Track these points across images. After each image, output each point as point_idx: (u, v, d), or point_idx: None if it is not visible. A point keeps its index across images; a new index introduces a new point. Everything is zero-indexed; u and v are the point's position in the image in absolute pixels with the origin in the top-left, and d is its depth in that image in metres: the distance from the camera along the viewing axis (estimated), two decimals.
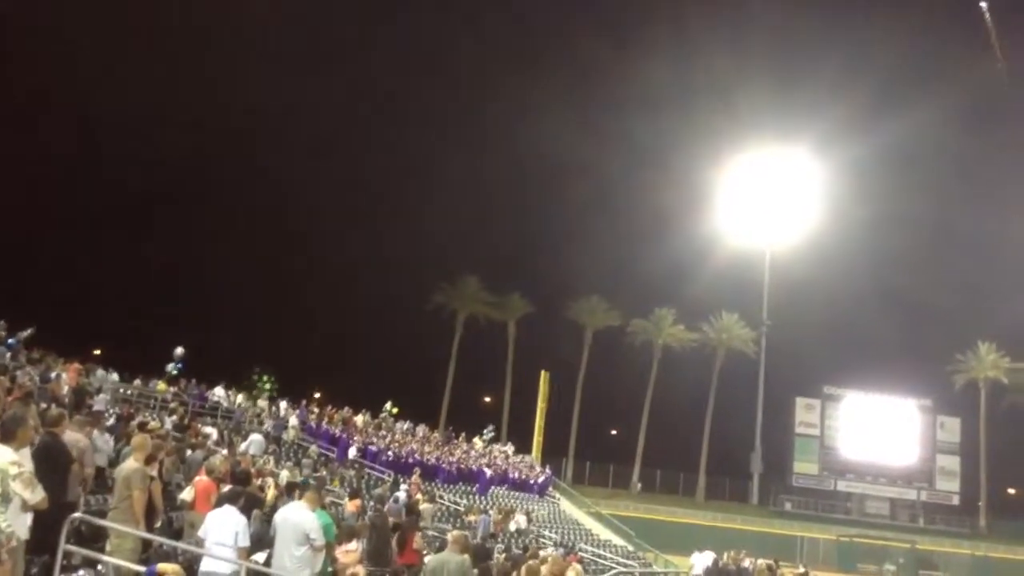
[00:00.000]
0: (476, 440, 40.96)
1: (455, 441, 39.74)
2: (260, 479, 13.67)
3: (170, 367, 28.41)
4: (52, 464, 8.43)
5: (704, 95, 67.02)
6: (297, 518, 9.31)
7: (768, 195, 62.47)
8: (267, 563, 9.39)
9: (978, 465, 62.39)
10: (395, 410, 37.59)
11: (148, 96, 58.30)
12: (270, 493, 12.94)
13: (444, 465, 32.67)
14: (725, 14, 69.75)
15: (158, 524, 10.11)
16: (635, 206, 66.40)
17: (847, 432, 62.35)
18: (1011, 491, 69.24)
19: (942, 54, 59.01)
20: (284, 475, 16.33)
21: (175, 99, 59.91)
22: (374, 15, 70.63)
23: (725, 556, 26.12)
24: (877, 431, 61.76)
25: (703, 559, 28.26)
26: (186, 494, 11.32)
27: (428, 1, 75.03)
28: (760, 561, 24.67)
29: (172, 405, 24.02)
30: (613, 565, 28.46)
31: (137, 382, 27.08)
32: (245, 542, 8.68)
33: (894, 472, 61.83)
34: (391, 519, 14.21)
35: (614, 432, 70.68)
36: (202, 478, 11.18)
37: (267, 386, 48.96)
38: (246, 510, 9.38)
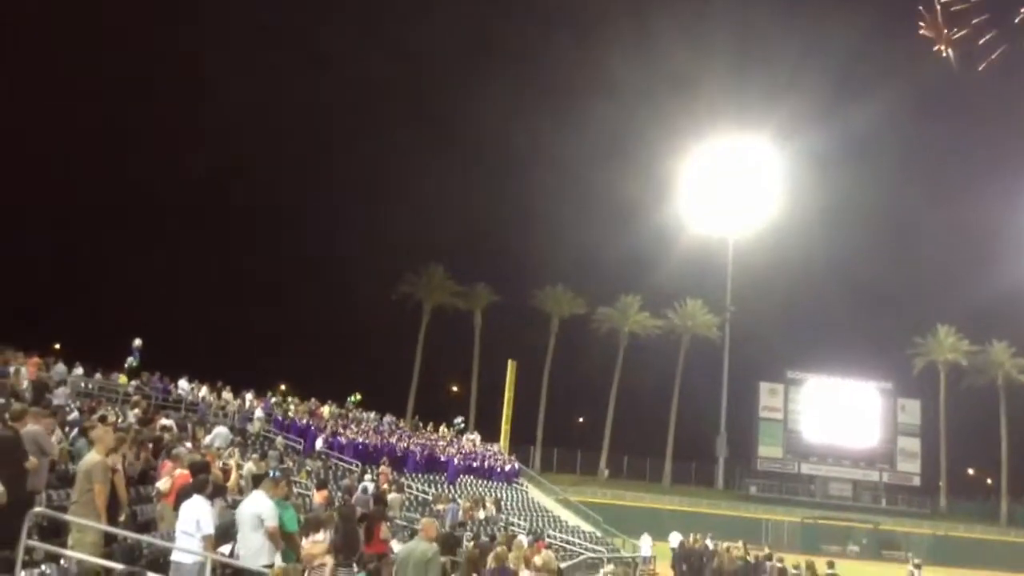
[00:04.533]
0: (443, 429, 40.96)
1: (423, 430, 39.71)
2: (221, 465, 13.56)
3: (130, 360, 28.01)
4: (8, 459, 8.33)
5: (666, 84, 67.36)
6: (253, 506, 9.29)
7: (730, 183, 63.05)
8: (231, 555, 9.34)
9: (938, 446, 63.61)
10: (358, 397, 37.50)
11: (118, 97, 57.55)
12: (232, 478, 12.86)
13: (412, 454, 32.64)
14: (686, 3, 70.11)
15: (122, 518, 10.00)
16: (599, 195, 66.76)
17: (810, 416, 63.24)
18: (970, 471, 70.75)
19: (899, 45, 59.77)
20: (249, 467, 16.19)
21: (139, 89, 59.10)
22: (333, 2, 70.10)
23: (691, 538, 26.52)
24: (839, 414, 62.75)
25: (647, 540, 32.09)
26: (162, 484, 11.22)
27: None
28: (726, 544, 25.01)
29: (135, 398, 23.71)
30: (582, 551, 28.67)
31: (98, 376, 26.64)
32: (208, 529, 8.61)
33: (856, 454, 62.85)
34: (359, 509, 14.17)
35: (581, 419, 71.18)
36: (182, 470, 11.10)
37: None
38: (211, 498, 9.35)
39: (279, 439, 26.24)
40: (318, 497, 15.83)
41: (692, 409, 64.52)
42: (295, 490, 15.59)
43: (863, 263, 66.48)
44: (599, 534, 36.26)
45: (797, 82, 62.56)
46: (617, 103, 65.76)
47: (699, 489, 61.72)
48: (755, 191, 63.00)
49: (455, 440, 39.64)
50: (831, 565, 19.90)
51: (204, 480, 9.59)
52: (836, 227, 64.93)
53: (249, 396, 30.31)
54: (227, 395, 29.52)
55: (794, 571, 19.46)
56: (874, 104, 60.28)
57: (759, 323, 62.64)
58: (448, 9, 71.33)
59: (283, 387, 41.21)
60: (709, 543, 25.26)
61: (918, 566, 29.43)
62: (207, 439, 19.32)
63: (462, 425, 44.38)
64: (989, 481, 67.16)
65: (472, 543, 16.49)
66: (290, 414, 30.30)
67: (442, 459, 34.46)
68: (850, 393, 63.80)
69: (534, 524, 30.36)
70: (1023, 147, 69.28)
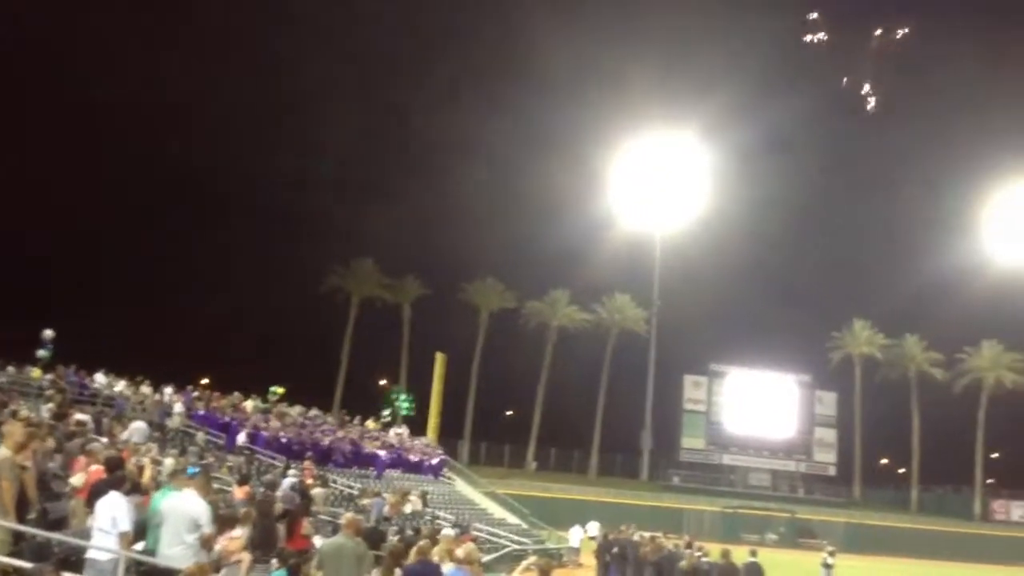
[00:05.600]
0: (370, 422, 40.67)
1: (349, 424, 39.34)
2: (136, 462, 13.26)
3: (41, 352, 27.09)
4: None
5: (596, 80, 68.19)
6: (187, 506, 9.16)
7: (658, 179, 64.02)
8: (145, 552, 9.18)
9: (853, 437, 65.80)
10: (280, 391, 36.97)
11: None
12: (147, 474, 12.60)
13: (338, 449, 32.33)
14: (617, 1, 70.88)
15: (32, 515, 9.74)
16: (530, 188, 67.06)
17: (731, 407, 64.77)
18: (883, 461, 73.43)
19: (817, 46, 61.42)
20: (168, 463, 15.87)
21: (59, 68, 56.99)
22: None
23: (620, 528, 26.88)
24: (759, 406, 64.44)
25: (578, 531, 32.87)
26: (76, 480, 10.95)
27: None
28: (646, 534, 25.44)
29: (49, 392, 22.97)
30: (507, 543, 28.89)
31: (11, 369, 25.71)
32: (125, 527, 8.47)
33: (775, 445, 64.61)
34: (281, 504, 14.04)
35: (510, 413, 71.47)
36: (97, 466, 10.85)
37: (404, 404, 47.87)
38: (128, 494, 9.19)
39: (200, 434, 25.73)
40: (239, 493, 15.61)
41: (619, 402, 65.50)
42: (215, 486, 15.35)
43: (785, 258, 68.52)
44: (525, 526, 36.53)
45: (722, 80, 63.94)
46: (549, 98, 66.41)
47: (624, 480, 62.67)
48: (682, 187, 64.13)
49: (382, 434, 39.40)
50: (753, 553, 20.38)
51: (122, 476, 9.42)
52: (760, 223, 66.73)
53: (168, 390, 29.60)
54: (146, 389, 28.77)
55: (706, 559, 19.94)
56: (795, 100, 62.06)
57: (685, 317, 63.92)
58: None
59: (205, 381, 40.38)
60: (632, 533, 25.67)
61: (832, 554, 30.40)
62: (124, 434, 18.86)
63: (389, 419, 44.16)
64: (901, 471, 69.79)
65: (397, 537, 16.48)
66: (212, 408, 29.71)
67: (369, 453, 34.23)
68: (770, 385, 65.56)
69: (460, 517, 30.37)
70: (938, 147, 72.06)
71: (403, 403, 52.56)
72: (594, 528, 33.22)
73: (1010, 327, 63.94)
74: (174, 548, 8.94)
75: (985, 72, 70.73)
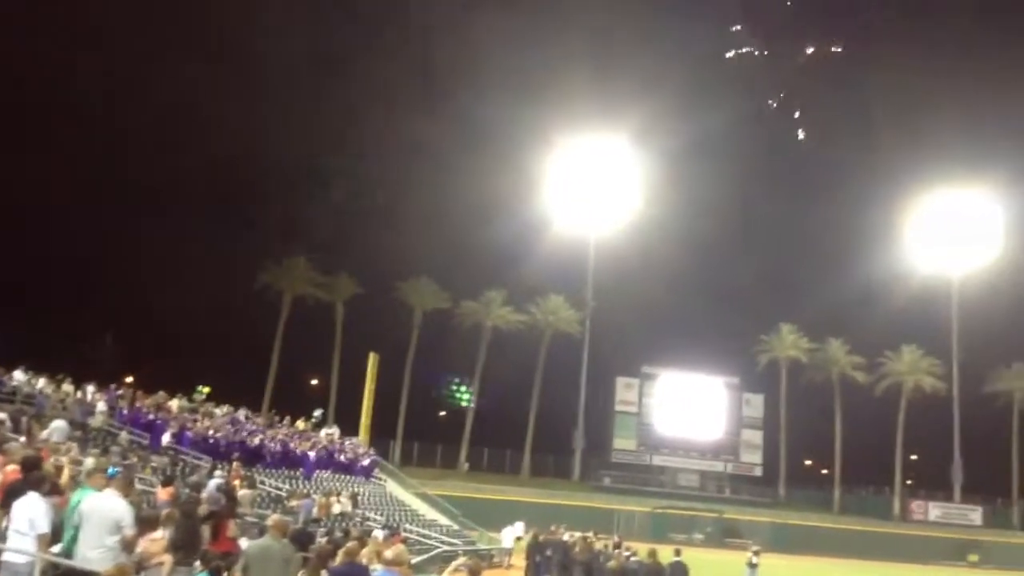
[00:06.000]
0: (300, 423, 40.14)
1: (279, 425, 38.76)
2: (55, 461, 12.86)
3: None
4: None
5: (533, 83, 68.48)
6: (108, 506, 8.91)
7: (592, 182, 64.66)
8: (61, 553, 8.92)
9: (778, 439, 67.33)
10: (206, 390, 36.34)
11: None
12: (65, 474, 12.24)
13: (267, 449, 31.84)
14: (554, 8, 71.50)
15: None
16: (466, 189, 67.07)
17: (662, 409, 65.72)
18: (807, 462, 75.29)
19: (748, 54, 62.91)
20: (89, 462, 15.43)
21: None
22: None
23: (551, 528, 27.03)
24: (689, 408, 65.53)
25: (511, 532, 32.94)
26: None
27: None
28: (577, 534, 25.64)
29: None
30: (437, 544, 28.83)
31: None
32: (43, 528, 8.23)
33: (704, 446, 65.76)
34: (206, 506, 13.76)
35: (443, 413, 71.28)
36: (13, 466, 10.48)
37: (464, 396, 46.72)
38: (48, 495, 8.93)
39: (123, 434, 25.07)
40: (163, 494, 15.25)
41: (552, 403, 65.86)
42: (139, 487, 14.99)
43: (715, 262, 69.94)
44: (456, 527, 36.50)
45: (654, 85, 64.97)
46: (484, 99, 66.52)
47: (556, 481, 63.00)
48: (616, 190, 64.87)
49: (313, 434, 38.91)
50: (678, 552, 20.69)
51: (40, 477, 9.14)
52: (691, 228, 67.96)
53: (91, 388, 28.77)
54: (67, 387, 27.91)
55: (634, 559, 20.22)
56: (726, 106, 63.47)
57: (618, 319, 64.66)
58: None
59: (129, 379, 39.35)
60: (564, 534, 25.86)
61: (757, 553, 31.02)
62: (44, 433, 18.30)
63: (321, 418, 43.60)
64: (824, 471, 71.62)
65: (326, 539, 16.29)
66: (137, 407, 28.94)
67: (298, 454, 33.79)
68: (699, 387, 66.68)
69: (391, 518, 30.22)
70: (864, 158, 74.40)
71: (463, 394, 51.95)
72: (520, 528, 33.40)
73: (929, 333, 66.38)
74: (95, 550, 8.70)
75: (909, 87, 73.26)
